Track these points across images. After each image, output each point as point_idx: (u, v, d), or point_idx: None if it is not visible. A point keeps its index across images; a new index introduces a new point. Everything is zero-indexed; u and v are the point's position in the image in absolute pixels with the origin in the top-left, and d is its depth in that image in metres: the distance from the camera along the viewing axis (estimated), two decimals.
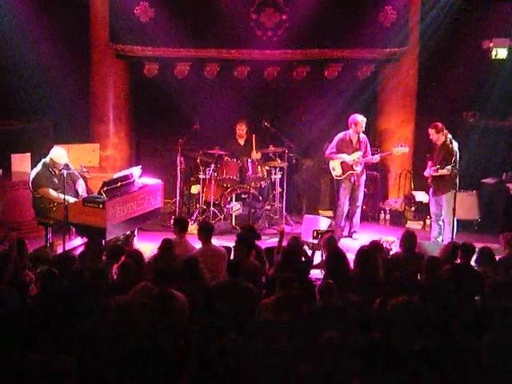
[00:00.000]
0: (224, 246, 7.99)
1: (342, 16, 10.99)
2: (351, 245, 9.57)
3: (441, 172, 9.39)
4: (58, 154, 8.90)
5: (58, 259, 7.32)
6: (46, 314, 5.56)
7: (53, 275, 6.27)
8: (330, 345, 4.86)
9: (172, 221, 8.89)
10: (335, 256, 6.93)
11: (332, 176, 10.40)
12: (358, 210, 10.44)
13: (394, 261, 7.42)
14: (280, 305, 5.73)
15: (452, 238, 8.99)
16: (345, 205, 10.33)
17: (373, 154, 10.34)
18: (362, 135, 10.26)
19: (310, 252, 8.08)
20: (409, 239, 7.55)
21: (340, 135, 10.26)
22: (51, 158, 8.86)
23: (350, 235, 10.38)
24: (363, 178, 10.39)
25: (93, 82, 11.24)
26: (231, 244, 7.88)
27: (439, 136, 9.49)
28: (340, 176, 10.26)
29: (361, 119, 10.09)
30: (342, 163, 10.20)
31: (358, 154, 10.19)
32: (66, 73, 10.89)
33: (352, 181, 10.23)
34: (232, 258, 7.53)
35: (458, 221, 9.41)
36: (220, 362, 4.59)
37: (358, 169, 10.22)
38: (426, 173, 9.62)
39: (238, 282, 6.37)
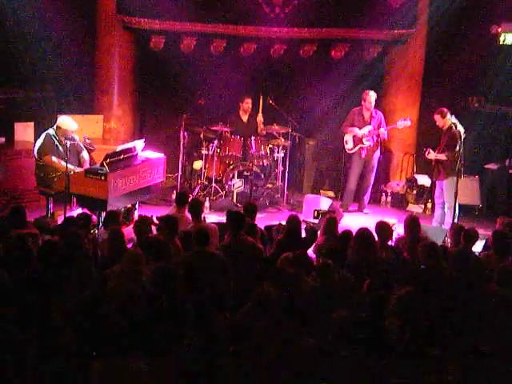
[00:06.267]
0: (221, 223, 7.96)
1: None
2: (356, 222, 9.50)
3: (437, 157, 9.41)
4: (67, 121, 8.91)
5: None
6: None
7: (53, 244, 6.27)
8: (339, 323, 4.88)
9: (173, 195, 8.92)
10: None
11: (344, 152, 10.64)
12: (369, 190, 10.61)
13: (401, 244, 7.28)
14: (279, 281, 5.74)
15: (453, 223, 8.96)
16: (353, 182, 10.51)
17: None
18: (377, 112, 10.43)
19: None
20: (413, 224, 7.43)
21: (354, 109, 10.48)
22: (59, 126, 8.85)
23: (361, 210, 10.56)
24: (376, 155, 10.51)
25: (98, 53, 11.12)
26: None
27: (445, 121, 9.48)
28: (351, 149, 10.43)
29: (369, 95, 10.27)
30: (354, 137, 10.34)
31: (368, 128, 10.29)
32: (71, 43, 10.84)
33: (363, 156, 10.34)
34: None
35: (460, 206, 9.40)
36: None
37: (368, 143, 10.31)
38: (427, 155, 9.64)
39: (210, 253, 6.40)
